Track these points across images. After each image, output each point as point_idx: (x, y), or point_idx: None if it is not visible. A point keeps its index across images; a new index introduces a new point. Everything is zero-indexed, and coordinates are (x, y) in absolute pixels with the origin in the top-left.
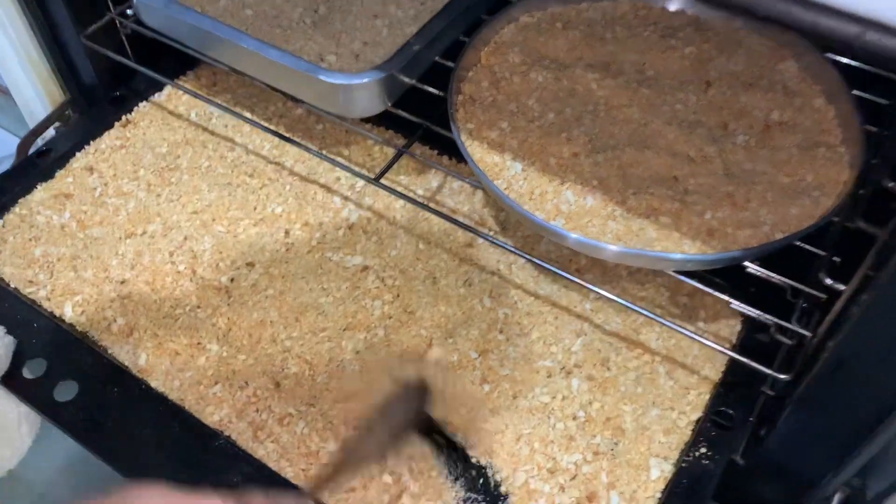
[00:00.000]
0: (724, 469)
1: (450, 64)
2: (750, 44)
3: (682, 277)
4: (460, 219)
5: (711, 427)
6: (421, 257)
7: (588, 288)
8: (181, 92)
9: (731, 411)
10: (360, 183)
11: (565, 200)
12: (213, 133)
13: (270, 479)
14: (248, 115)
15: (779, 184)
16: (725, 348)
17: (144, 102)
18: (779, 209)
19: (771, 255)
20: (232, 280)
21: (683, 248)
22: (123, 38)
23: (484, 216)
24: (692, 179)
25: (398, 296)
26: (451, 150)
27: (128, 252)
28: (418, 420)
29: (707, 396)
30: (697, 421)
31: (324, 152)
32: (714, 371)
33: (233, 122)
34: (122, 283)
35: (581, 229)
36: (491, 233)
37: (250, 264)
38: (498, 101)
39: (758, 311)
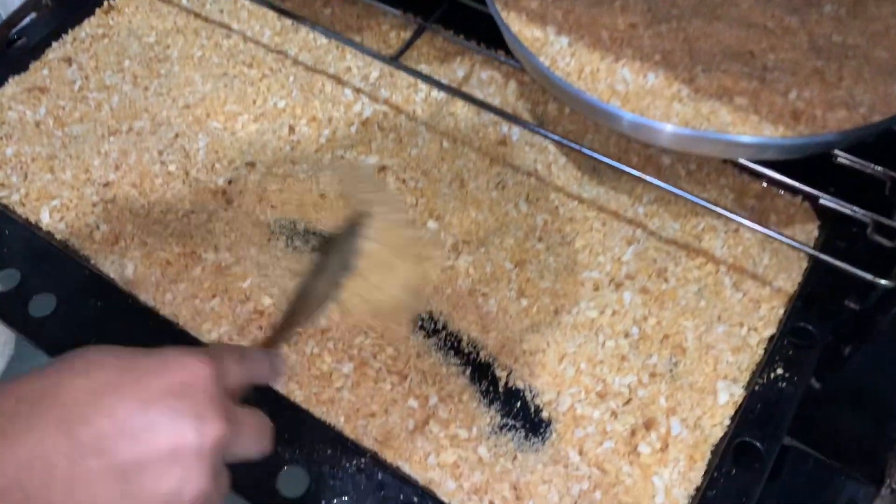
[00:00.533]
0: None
1: None
2: None
3: (757, 167)
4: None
5: (788, 345)
6: (446, 157)
7: (644, 180)
8: None
9: (810, 327)
10: (375, 73)
11: (621, 79)
12: (206, 19)
13: (277, 403)
14: None
15: (875, 59)
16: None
17: None
18: (876, 87)
19: (866, 142)
20: (230, 182)
21: (763, 133)
22: None
23: (518, 110)
24: (772, 54)
25: (423, 197)
26: (479, 33)
27: (112, 151)
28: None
29: (781, 310)
30: (771, 338)
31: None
32: (789, 282)
33: (229, 6)
34: (106, 185)
35: (644, 110)
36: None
37: (251, 164)
38: None
39: (853, 207)
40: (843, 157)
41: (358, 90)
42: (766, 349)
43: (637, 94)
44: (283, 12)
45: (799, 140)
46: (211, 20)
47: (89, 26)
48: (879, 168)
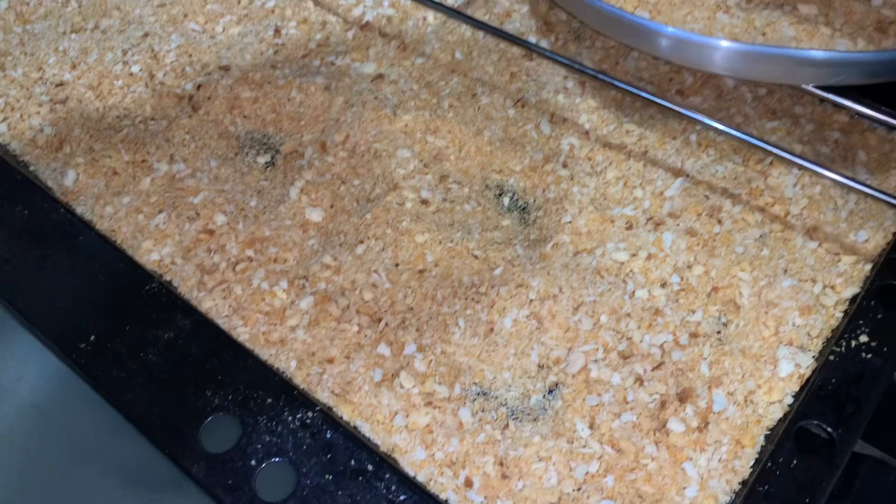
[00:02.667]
0: None
1: None
2: None
3: (837, 98)
4: (516, 26)
5: (876, 307)
6: (458, 69)
7: (695, 119)
8: None
9: None
10: None
11: None
12: None
13: (216, 338)
14: None
15: None
16: None
17: None
18: None
19: None
20: (199, 87)
21: (839, 49)
22: None
23: (551, 21)
24: None
25: (421, 111)
26: None
27: (71, 48)
28: None
29: (868, 267)
30: (853, 299)
31: None
32: (881, 233)
33: None
34: (59, 85)
35: (677, 24)
36: (560, 43)
37: (224, 68)
38: None
39: None
40: None
41: None
42: (845, 312)
43: (670, 4)
44: None
45: (887, 54)
46: None
47: None
48: None
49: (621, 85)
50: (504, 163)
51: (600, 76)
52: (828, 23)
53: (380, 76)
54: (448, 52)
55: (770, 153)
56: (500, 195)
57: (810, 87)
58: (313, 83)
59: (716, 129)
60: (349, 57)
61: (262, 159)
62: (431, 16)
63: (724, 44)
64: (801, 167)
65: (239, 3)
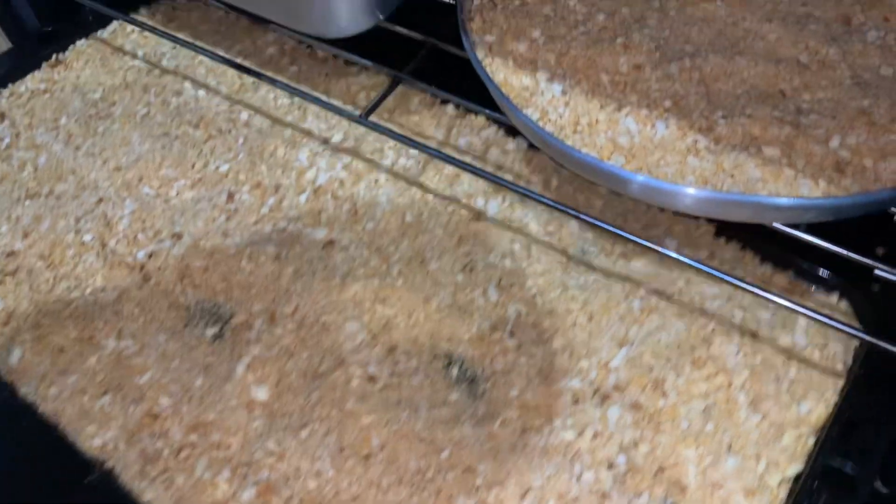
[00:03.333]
0: None
1: None
2: None
3: (796, 232)
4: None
5: (820, 490)
6: (408, 232)
7: (675, 258)
8: (130, 28)
9: (848, 467)
10: (337, 137)
11: (625, 131)
12: (159, 76)
13: None
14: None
15: None
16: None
17: (84, 40)
18: None
19: None
20: (150, 256)
21: (801, 191)
22: None
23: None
24: (807, 94)
25: (371, 278)
26: (463, 85)
27: (25, 216)
28: None
29: (811, 441)
30: (797, 478)
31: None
32: (822, 406)
33: (185, 61)
34: (10, 255)
35: (650, 168)
36: (507, 203)
37: (177, 235)
38: (527, 3)
39: None
40: None
41: (315, 155)
42: (790, 491)
43: (644, 148)
44: (242, 69)
45: (847, 199)
46: (164, 76)
47: (32, 81)
48: None
49: (608, 227)
50: (453, 331)
51: (591, 220)
52: (790, 164)
53: (330, 242)
54: (398, 216)
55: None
56: (448, 365)
57: (778, 226)
58: (264, 252)
59: (669, 282)
60: (301, 222)
61: (210, 331)
62: (383, 177)
63: (691, 191)
64: (746, 325)
65: (193, 167)
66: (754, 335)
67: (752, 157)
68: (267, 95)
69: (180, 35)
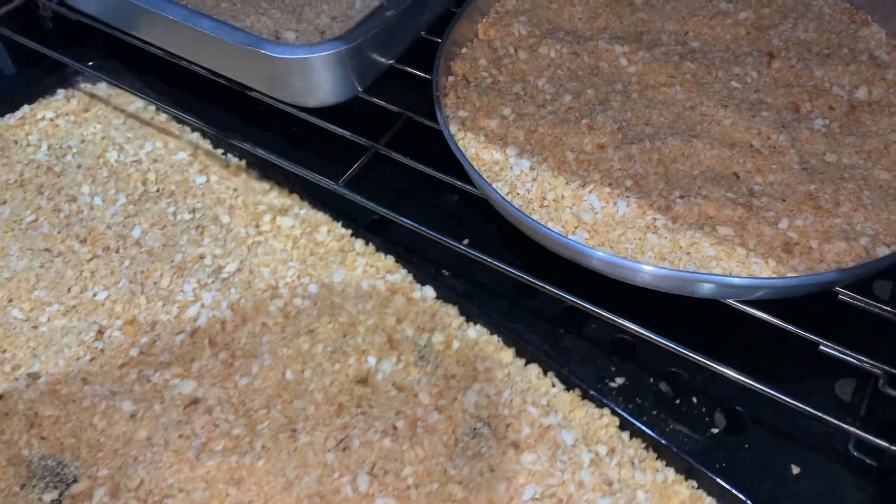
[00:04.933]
0: None
1: (436, 39)
2: (820, 6)
3: (749, 309)
4: (358, 340)
5: None
6: (284, 394)
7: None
8: (39, 115)
9: None
10: (232, 265)
11: (588, 207)
12: (59, 174)
13: None
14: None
15: (875, 180)
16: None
17: None
18: (878, 214)
19: (873, 278)
20: (1, 397)
21: (752, 270)
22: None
23: (396, 339)
24: (759, 177)
25: (229, 454)
26: (435, 158)
27: None
28: None
29: None
30: None
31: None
32: None
33: (90, 161)
34: None
35: (613, 245)
36: (401, 364)
37: (34, 375)
38: (499, 82)
39: (860, 357)
40: (845, 295)
41: (203, 286)
42: None
43: (606, 225)
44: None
45: (793, 280)
46: (63, 175)
47: None
48: (889, 308)
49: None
50: None
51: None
52: (742, 244)
53: (195, 401)
54: (278, 371)
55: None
56: None
57: (732, 302)
58: (119, 408)
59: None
60: (170, 371)
61: (48, 497)
62: (272, 322)
63: (648, 268)
64: None
65: (69, 291)
66: None
67: (707, 236)
68: (167, 209)
69: (90, 131)
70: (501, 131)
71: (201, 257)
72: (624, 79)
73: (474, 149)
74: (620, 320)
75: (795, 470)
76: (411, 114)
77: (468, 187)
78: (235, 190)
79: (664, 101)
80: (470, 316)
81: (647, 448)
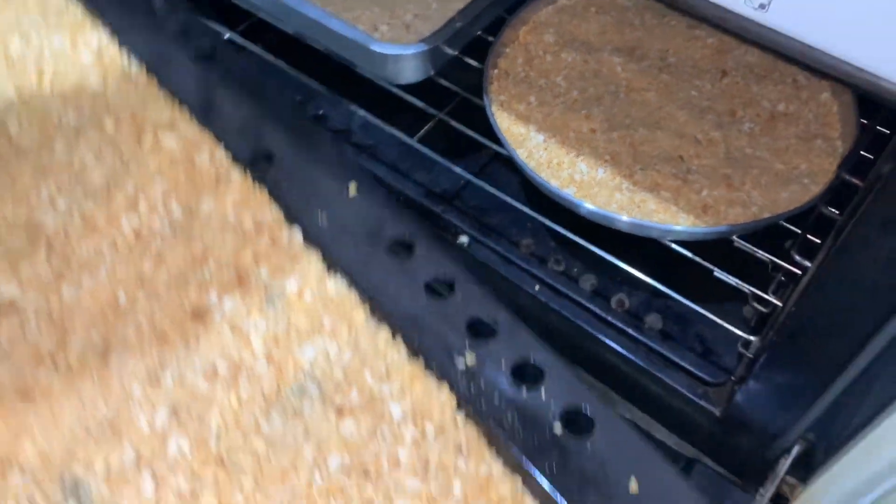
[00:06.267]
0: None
1: (490, 38)
2: None
3: (677, 247)
4: None
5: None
6: (111, 314)
7: None
8: None
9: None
10: (99, 176)
11: (579, 171)
12: None
13: None
14: None
15: (774, 170)
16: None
17: None
18: (770, 193)
19: (758, 233)
20: None
21: (679, 221)
22: None
23: None
24: (696, 160)
25: (28, 363)
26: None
27: None
28: None
29: None
30: None
31: None
32: None
33: None
34: None
35: (590, 198)
36: None
37: None
38: (530, 76)
39: (737, 280)
40: (738, 243)
41: (60, 191)
42: None
43: (589, 184)
44: None
45: (702, 229)
46: None
47: None
48: (763, 253)
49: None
50: (90, 455)
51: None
52: (676, 204)
53: (10, 304)
54: (111, 290)
55: None
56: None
57: (668, 242)
58: None
59: None
60: None
61: None
62: (121, 239)
63: (625, 218)
64: None
65: None
66: None
67: (654, 197)
68: (52, 107)
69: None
70: (527, 113)
71: (70, 164)
72: (616, 82)
73: (507, 124)
74: (578, 238)
75: (633, 486)
76: (466, 94)
77: (499, 149)
78: (128, 100)
79: (641, 102)
80: (333, 266)
81: (479, 436)
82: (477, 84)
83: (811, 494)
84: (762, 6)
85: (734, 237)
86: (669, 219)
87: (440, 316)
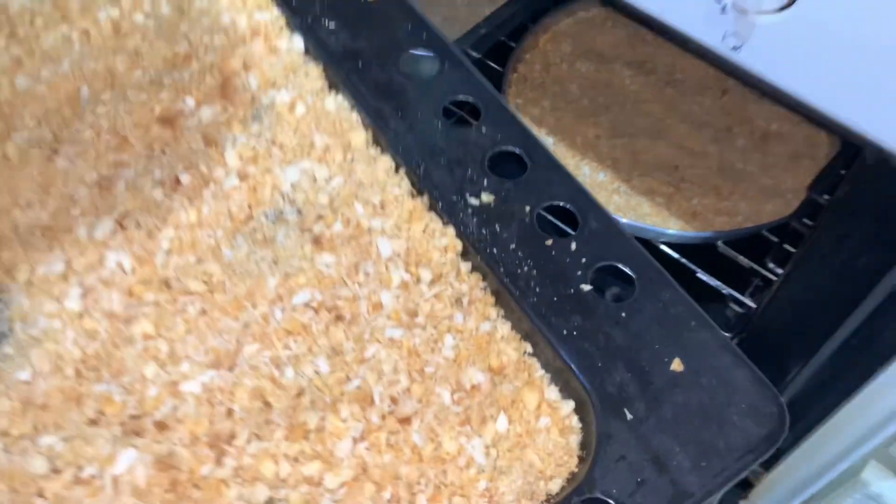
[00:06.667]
0: None
1: (512, 44)
2: None
3: (666, 249)
4: None
5: None
6: (67, 109)
7: None
8: None
9: None
10: None
11: (582, 173)
12: None
13: None
14: None
15: (761, 184)
16: None
17: None
18: (755, 204)
19: (741, 240)
20: None
21: (670, 225)
22: None
23: None
24: (690, 170)
25: None
26: None
27: None
28: None
29: None
30: None
31: None
32: None
33: None
34: None
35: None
36: None
37: None
38: (545, 82)
39: (718, 283)
40: (721, 248)
41: None
42: None
43: (590, 186)
44: None
45: (691, 233)
46: None
47: None
48: (743, 258)
49: None
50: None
51: None
52: (668, 209)
53: None
54: (73, 83)
55: None
56: None
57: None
58: None
59: None
60: None
61: None
62: (94, 30)
63: (622, 220)
64: None
65: None
66: None
67: (648, 201)
68: None
69: None
70: (540, 116)
71: None
72: (625, 93)
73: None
74: None
75: (677, 364)
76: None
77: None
78: None
79: (646, 112)
80: (336, 84)
81: (485, 290)
82: (497, 86)
83: (771, 482)
84: (735, 48)
85: (719, 243)
86: (661, 223)
87: (461, 145)
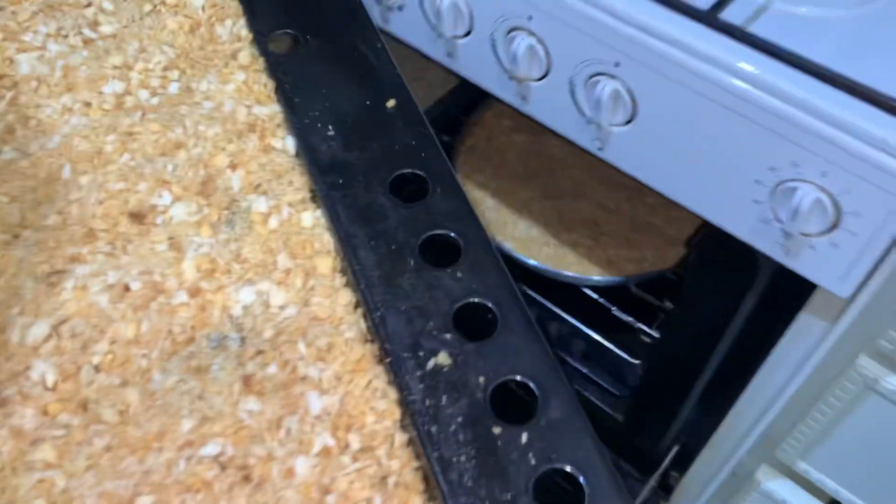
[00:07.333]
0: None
1: (463, 118)
2: None
3: (589, 292)
4: None
5: None
6: (54, 233)
7: None
8: None
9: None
10: (109, 27)
11: (518, 229)
12: None
13: None
14: None
15: (667, 235)
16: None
17: None
18: (660, 252)
19: (652, 281)
20: None
21: (590, 272)
22: None
23: None
24: (607, 226)
25: None
26: None
27: None
28: None
29: None
30: None
31: None
32: None
33: None
34: None
35: (524, 250)
36: None
37: None
38: (488, 152)
39: (630, 318)
40: (633, 290)
41: (62, 35)
42: None
43: (525, 240)
44: None
45: (605, 279)
46: None
47: None
48: (649, 297)
49: None
50: None
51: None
52: (588, 258)
53: None
54: (57, 161)
55: None
56: None
57: (587, 291)
58: None
59: None
60: None
61: None
62: (96, 103)
63: (540, 265)
64: None
65: None
66: None
67: (572, 252)
68: None
69: None
70: (484, 182)
71: (88, 4)
72: (553, 160)
73: (467, 189)
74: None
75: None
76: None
77: None
78: None
79: (570, 177)
80: (317, 197)
81: (417, 472)
82: (449, 155)
83: (684, 486)
84: (600, 149)
85: (631, 285)
86: (583, 270)
87: (426, 289)
